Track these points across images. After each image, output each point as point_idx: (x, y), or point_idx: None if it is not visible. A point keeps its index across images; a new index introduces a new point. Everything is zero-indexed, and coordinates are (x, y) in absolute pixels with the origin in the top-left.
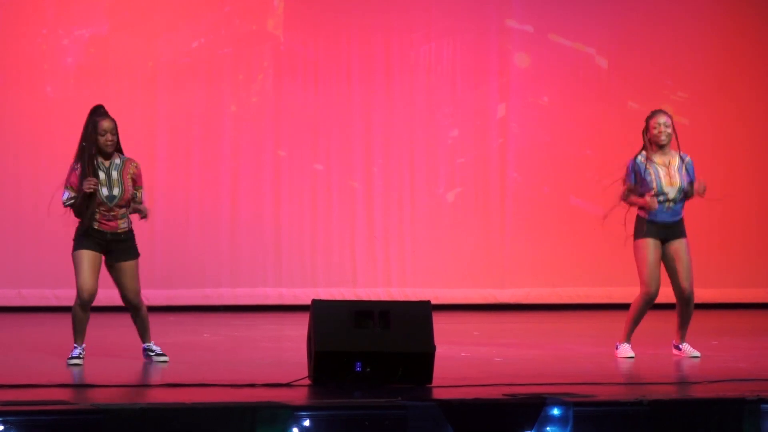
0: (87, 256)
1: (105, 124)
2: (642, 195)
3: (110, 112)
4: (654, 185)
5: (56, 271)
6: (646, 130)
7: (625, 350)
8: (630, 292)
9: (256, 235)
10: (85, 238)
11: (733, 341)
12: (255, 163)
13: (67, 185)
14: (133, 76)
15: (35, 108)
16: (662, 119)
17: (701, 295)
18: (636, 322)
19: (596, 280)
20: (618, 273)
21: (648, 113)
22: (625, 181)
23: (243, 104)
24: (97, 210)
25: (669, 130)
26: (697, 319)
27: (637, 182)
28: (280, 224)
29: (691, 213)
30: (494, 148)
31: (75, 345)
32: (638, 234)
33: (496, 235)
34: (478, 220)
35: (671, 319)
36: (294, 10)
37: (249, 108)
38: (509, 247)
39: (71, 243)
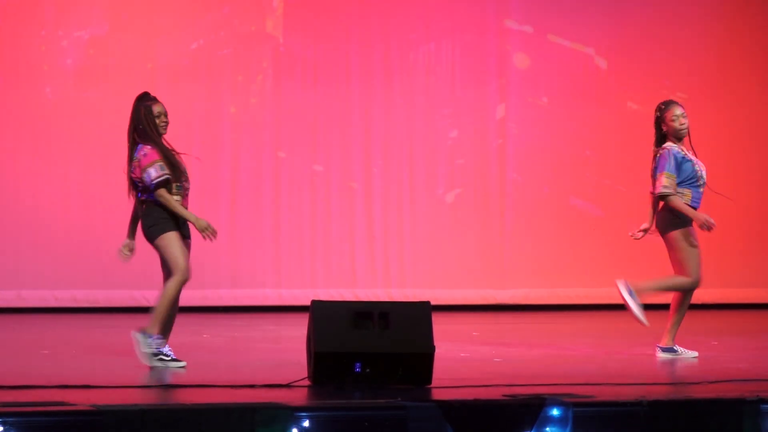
0: (178, 236)
1: (157, 107)
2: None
3: (110, 113)
4: (698, 170)
5: (55, 272)
6: (663, 122)
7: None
8: None
9: (256, 236)
10: (171, 219)
11: (732, 341)
12: (254, 164)
13: (155, 162)
14: (133, 78)
15: (35, 109)
16: (679, 111)
17: (700, 295)
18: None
19: (596, 280)
20: (618, 273)
21: (640, 117)
22: (664, 173)
23: (242, 105)
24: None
25: (687, 122)
26: (697, 320)
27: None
28: (279, 225)
29: None
30: (494, 149)
31: (159, 336)
32: (680, 224)
33: (495, 236)
34: (478, 221)
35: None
36: (293, 11)
37: (248, 109)
38: (509, 247)
39: (70, 244)
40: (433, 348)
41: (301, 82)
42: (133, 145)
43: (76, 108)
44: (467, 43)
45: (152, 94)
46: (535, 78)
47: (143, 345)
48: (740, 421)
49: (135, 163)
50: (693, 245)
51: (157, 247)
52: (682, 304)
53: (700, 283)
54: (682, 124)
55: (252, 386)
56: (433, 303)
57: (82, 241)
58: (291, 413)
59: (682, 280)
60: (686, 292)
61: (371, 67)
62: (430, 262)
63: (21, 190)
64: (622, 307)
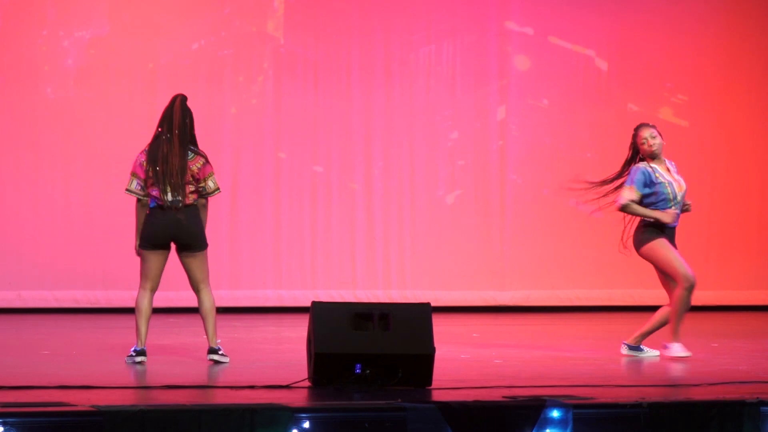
0: None
1: None
2: (648, 206)
3: (110, 114)
4: (669, 192)
5: (56, 272)
6: (636, 144)
7: (678, 349)
8: (630, 294)
9: (256, 236)
10: None
11: (732, 343)
12: (255, 164)
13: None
14: (134, 78)
15: (36, 109)
16: (647, 132)
17: (701, 296)
18: (682, 316)
19: (596, 282)
20: (618, 275)
21: (640, 119)
22: (630, 186)
23: (243, 106)
24: None
25: (659, 140)
26: (697, 321)
27: (647, 191)
28: (279, 226)
29: (691, 214)
30: (494, 151)
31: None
32: (651, 236)
33: (495, 237)
34: (478, 222)
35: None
36: (294, 11)
37: (249, 110)
38: (509, 249)
39: (70, 245)
40: (433, 349)
41: (301, 83)
42: (186, 147)
43: (77, 108)
44: (468, 44)
45: (152, 94)
46: (536, 80)
47: None
48: (740, 423)
49: (202, 167)
50: (667, 248)
51: (203, 255)
52: (680, 307)
53: (694, 279)
54: (651, 145)
55: (252, 387)
56: (433, 304)
57: (82, 242)
58: (291, 414)
59: (678, 295)
60: (687, 297)
61: (372, 69)
62: (431, 264)
63: (21, 190)
64: (622, 309)
